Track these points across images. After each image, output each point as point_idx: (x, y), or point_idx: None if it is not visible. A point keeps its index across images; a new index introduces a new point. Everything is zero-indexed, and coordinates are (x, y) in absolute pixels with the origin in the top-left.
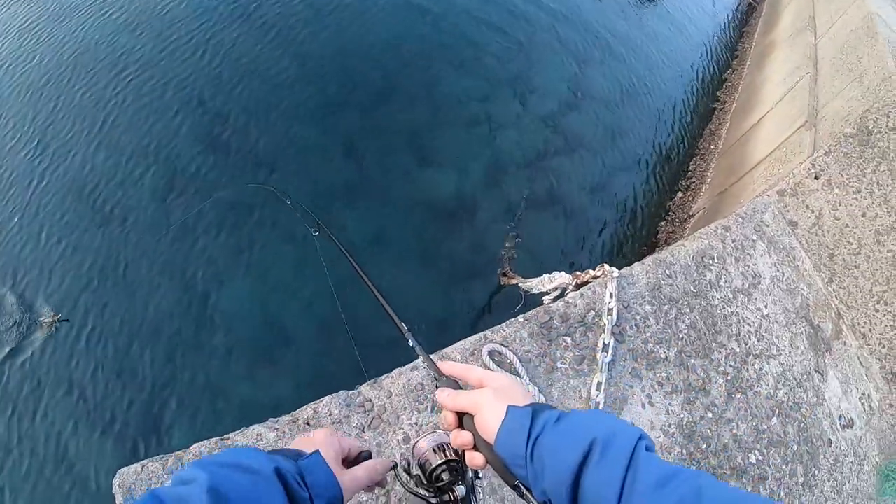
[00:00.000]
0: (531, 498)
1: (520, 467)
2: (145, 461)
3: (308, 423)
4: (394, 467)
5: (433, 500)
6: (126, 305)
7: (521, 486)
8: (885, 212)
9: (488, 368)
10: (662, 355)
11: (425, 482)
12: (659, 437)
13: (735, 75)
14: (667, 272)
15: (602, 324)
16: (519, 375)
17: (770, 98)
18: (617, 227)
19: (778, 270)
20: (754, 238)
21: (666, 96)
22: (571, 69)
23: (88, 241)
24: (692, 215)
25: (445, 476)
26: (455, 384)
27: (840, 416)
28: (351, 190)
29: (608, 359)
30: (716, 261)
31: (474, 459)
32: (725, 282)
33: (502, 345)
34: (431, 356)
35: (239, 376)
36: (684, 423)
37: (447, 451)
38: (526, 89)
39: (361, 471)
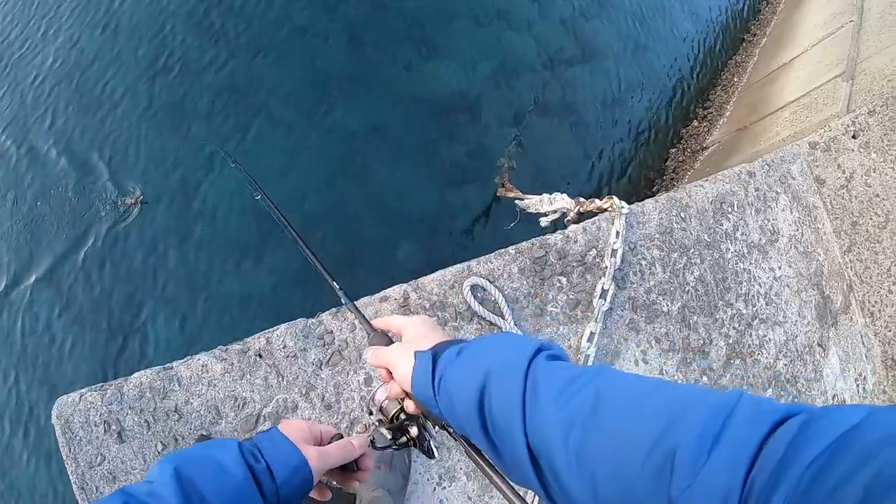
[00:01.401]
0: (456, 436)
1: (434, 408)
2: (83, 390)
3: (259, 356)
4: (372, 443)
5: (397, 442)
6: None
7: (445, 425)
8: None
9: (469, 306)
10: (665, 308)
11: (389, 427)
12: None
13: (770, 9)
14: (681, 215)
15: (603, 266)
16: (503, 317)
17: (805, 40)
18: (626, 148)
19: (798, 230)
20: (778, 190)
21: (695, 16)
22: None
23: None
24: (706, 147)
25: (402, 416)
26: (386, 338)
27: (834, 396)
28: (350, 77)
29: (605, 307)
30: (735, 209)
31: (409, 407)
32: (742, 234)
33: (488, 279)
34: (412, 281)
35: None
36: None
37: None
38: None
39: (333, 447)
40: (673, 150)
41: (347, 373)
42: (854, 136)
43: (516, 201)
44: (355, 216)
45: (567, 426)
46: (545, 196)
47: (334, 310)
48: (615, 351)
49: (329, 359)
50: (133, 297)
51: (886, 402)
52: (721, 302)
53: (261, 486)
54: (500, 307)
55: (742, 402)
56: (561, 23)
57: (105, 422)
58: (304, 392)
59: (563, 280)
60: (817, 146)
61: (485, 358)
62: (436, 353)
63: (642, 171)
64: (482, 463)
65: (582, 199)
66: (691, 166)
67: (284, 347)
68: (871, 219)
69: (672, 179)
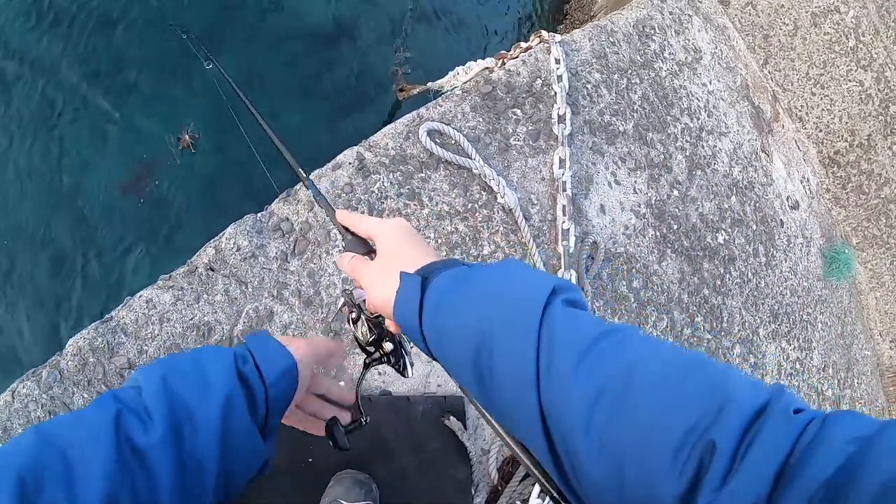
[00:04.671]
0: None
1: (420, 343)
2: (13, 385)
3: (211, 269)
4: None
5: (370, 357)
6: None
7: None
8: None
9: (430, 152)
10: (621, 128)
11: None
12: (631, 219)
13: None
14: (610, 39)
15: (552, 93)
16: (470, 157)
17: None
18: (513, 29)
19: (716, 48)
20: (690, 13)
21: None
22: None
23: None
24: (593, 17)
25: (368, 333)
26: (364, 244)
27: (787, 198)
28: (212, 32)
29: (567, 131)
30: (657, 31)
31: (390, 326)
32: (669, 54)
33: (442, 122)
34: (363, 141)
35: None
36: (653, 202)
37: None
38: None
39: (320, 339)
40: (560, 27)
41: (319, 256)
42: None
43: (426, 92)
44: (253, 170)
45: (591, 402)
46: (458, 69)
47: (283, 195)
48: (587, 176)
49: (293, 247)
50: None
51: (830, 201)
52: (669, 117)
53: (251, 389)
54: (463, 148)
55: (779, 402)
56: None
57: (49, 412)
58: (275, 294)
59: (518, 112)
60: None
61: (486, 295)
62: (425, 277)
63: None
64: (483, 412)
65: (503, 52)
66: (589, 10)
67: (238, 250)
68: (780, 28)
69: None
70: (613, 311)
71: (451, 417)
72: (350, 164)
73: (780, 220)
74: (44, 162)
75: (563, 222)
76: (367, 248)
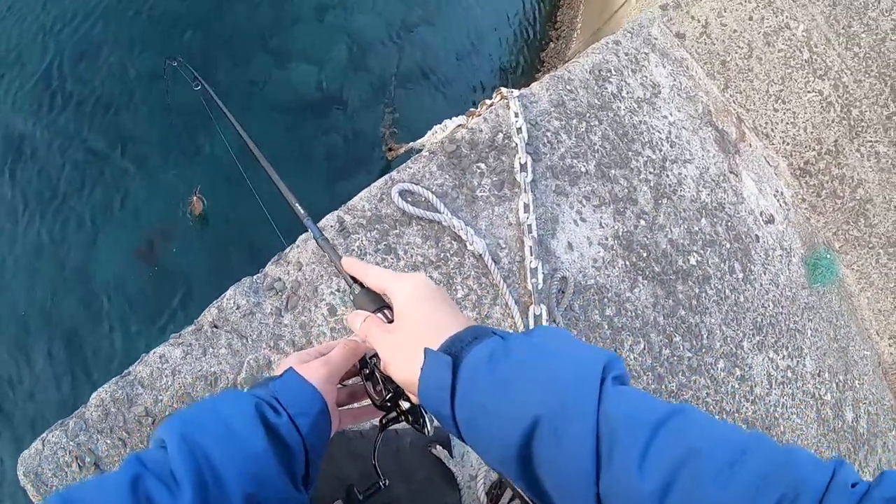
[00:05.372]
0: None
1: (451, 429)
2: (44, 434)
3: (215, 326)
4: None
5: (387, 418)
6: None
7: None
8: (770, 13)
9: (403, 210)
10: (582, 169)
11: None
12: (599, 252)
13: None
14: (567, 87)
15: (514, 144)
16: (438, 211)
17: None
18: (492, 85)
19: (675, 80)
20: (646, 51)
21: None
22: None
23: None
24: (567, 61)
25: (383, 391)
26: (375, 298)
27: (761, 213)
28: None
29: (529, 178)
30: (613, 73)
31: (412, 397)
32: (627, 92)
33: (412, 182)
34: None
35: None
36: (620, 233)
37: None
38: None
39: (334, 353)
40: (538, 74)
41: (309, 310)
42: None
43: (410, 151)
44: (255, 230)
45: (660, 497)
46: (436, 127)
47: (276, 257)
48: (553, 217)
49: (286, 303)
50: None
51: (807, 210)
52: (630, 152)
53: (285, 444)
54: (433, 203)
55: (839, 479)
56: None
57: (76, 457)
58: (272, 345)
59: (482, 165)
60: (668, 7)
61: (532, 378)
62: (455, 356)
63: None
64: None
65: (472, 110)
66: (563, 58)
67: (238, 308)
68: (736, 53)
69: None
70: (588, 338)
71: (438, 446)
72: (332, 226)
73: (756, 235)
74: (58, 236)
75: (531, 262)
76: (379, 304)
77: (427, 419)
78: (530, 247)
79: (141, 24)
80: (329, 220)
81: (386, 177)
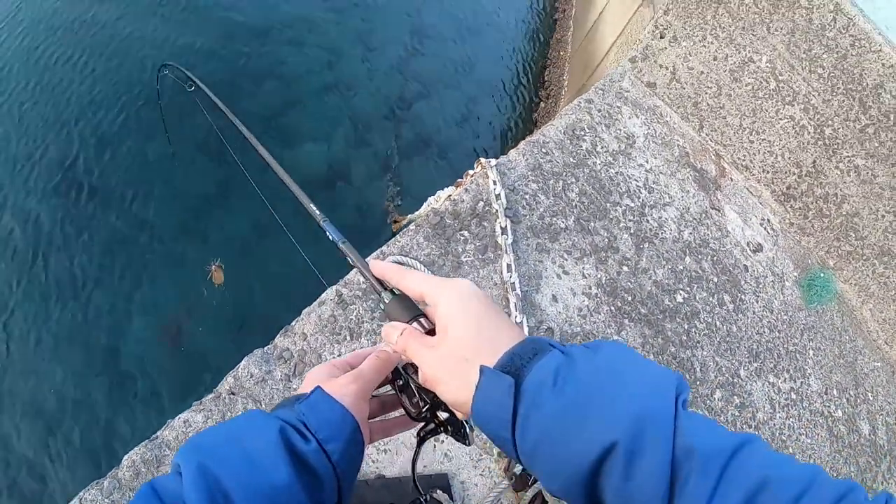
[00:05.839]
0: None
1: (510, 452)
2: (81, 493)
3: (232, 393)
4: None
5: (425, 430)
6: None
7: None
8: (733, 51)
9: None
10: (562, 225)
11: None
12: (584, 301)
13: None
14: (542, 150)
15: (494, 210)
16: None
17: None
18: (489, 147)
19: (649, 128)
20: (619, 105)
21: (505, 20)
22: (407, 17)
23: None
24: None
25: (420, 403)
26: (410, 306)
27: (748, 243)
28: (222, 195)
29: (510, 240)
30: (587, 130)
31: (457, 413)
32: (602, 147)
33: (402, 255)
34: (339, 281)
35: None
36: (603, 281)
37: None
38: (367, 47)
39: (365, 365)
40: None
41: None
42: (661, 36)
43: (409, 223)
44: (260, 303)
45: None
46: (430, 199)
47: (283, 330)
48: (536, 273)
49: (294, 370)
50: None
51: (797, 233)
52: (608, 204)
53: (315, 474)
54: (421, 272)
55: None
56: (392, 70)
57: None
58: None
59: (466, 233)
60: (636, 59)
61: (602, 403)
62: (515, 374)
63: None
64: None
65: (459, 180)
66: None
67: (252, 376)
68: (706, 93)
69: None
70: None
71: (439, 491)
72: (331, 300)
73: (744, 265)
74: (89, 318)
75: (516, 316)
76: (414, 313)
77: (468, 428)
78: (514, 303)
79: (153, 113)
80: (329, 294)
81: (378, 251)
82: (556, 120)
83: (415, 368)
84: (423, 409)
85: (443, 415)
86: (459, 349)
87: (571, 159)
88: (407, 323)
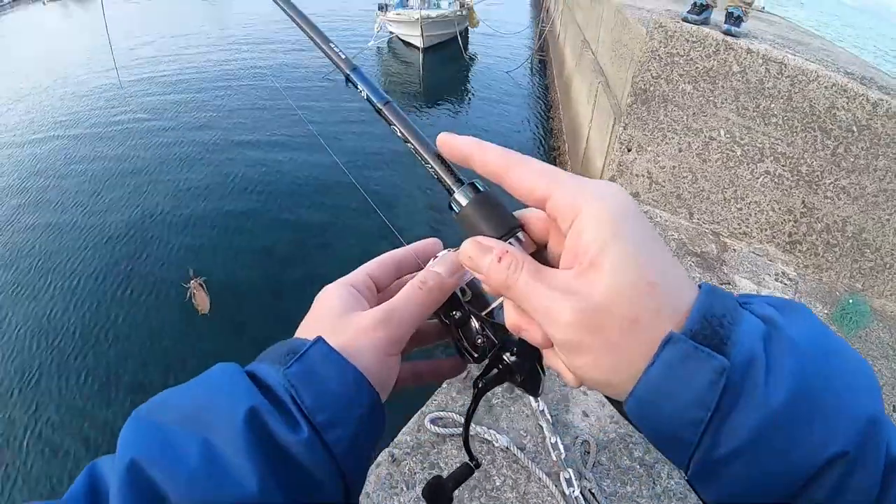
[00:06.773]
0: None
1: (679, 460)
2: None
3: None
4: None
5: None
6: None
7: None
8: (693, 137)
9: (437, 433)
10: None
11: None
12: (611, 409)
13: (555, 120)
14: None
15: None
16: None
17: (585, 119)
18: None
19: None
20: None
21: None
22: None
23: None
24: None
25: (485, 342)
26: (498, 209)
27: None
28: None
29: None
30: None
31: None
32: None
33: (439, 410)
34: (390, 443)
35: None
36: None
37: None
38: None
39: (399, 298)
40: None
41: None
42: (629, 150)
43: None
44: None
45: None
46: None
47: None
48: (562, 396)
49: None
50: None
51: (814, 272)
52: None
53: (306, 474)
54: (459, 422)
55: None
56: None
57: None
58: None
59: None
60: (615, 177)
61: (828, 397)
62: (717, 349)
63: None
64: None
65: None
66: None
67: None
68: (684, 182)
69: None
70: (623, 482)
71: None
72: (386, 460)
73: None
74: None
75: (550, 438)
76: (510, 225)
77: (543, 377)
78: (547, 427)
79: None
80: (384, 455)
81: (418, 412)
82: None
83: (480, 304)
84: (490, 352)
85: (509, 357)
86: (626, 303)
87: None
88: (501, 240)
